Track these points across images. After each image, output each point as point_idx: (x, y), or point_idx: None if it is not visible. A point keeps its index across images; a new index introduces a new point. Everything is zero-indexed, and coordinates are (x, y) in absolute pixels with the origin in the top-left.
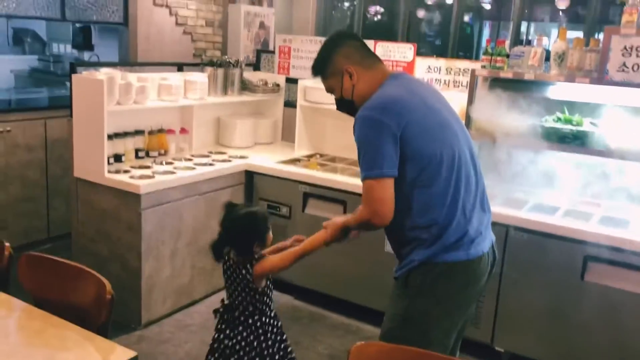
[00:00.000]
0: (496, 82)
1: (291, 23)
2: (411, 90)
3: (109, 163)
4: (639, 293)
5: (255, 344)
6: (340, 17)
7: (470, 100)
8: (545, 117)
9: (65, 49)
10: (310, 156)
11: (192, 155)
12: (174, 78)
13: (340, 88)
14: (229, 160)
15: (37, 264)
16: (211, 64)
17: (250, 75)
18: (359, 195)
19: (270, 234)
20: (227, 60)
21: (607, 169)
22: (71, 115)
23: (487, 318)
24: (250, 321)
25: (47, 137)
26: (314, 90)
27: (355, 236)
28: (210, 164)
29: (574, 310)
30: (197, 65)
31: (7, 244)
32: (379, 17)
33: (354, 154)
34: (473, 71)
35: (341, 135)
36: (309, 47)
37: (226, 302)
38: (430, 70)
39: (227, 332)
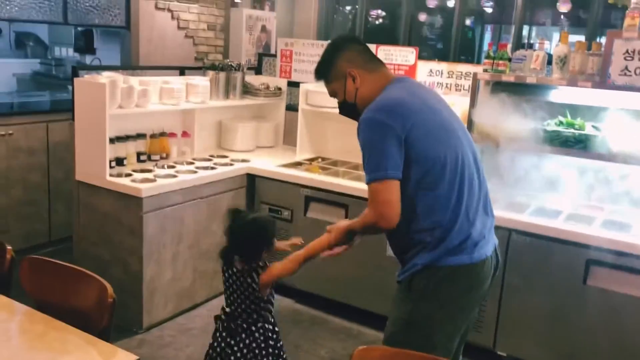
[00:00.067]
0: (498, 86)
1: (293, 26)
2: (415, 93)
3: (110, 166)
4: None
5: (257, 351)
6: (342, 20)
7: (472, 104)
8: (547, 121)
9: (67, 52)
10: (311, 160)
11: (194, 159)
12: (176, 82)
13: (343, 91)
14: (231, 164)
15: (39, 267)
16: (213, 67)
17: (252, 78)
18: (361, 198)
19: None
20: (229, 63)
21: (610, 172)
22: (73, 119)
23: (489, 322)
24: (253, 328)
25: (49, 140)
26: (315, 94)
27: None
28: (212, 168)
29: (576, 314)
30: (199, 69)
31: (9, 247)
32: (381, 20)
33: (355, 158)
34: (475, 75)
35: (343, 139)
36: (310, 50)
37: (227, 310)
38: (432, 74)
39: (229, 340)
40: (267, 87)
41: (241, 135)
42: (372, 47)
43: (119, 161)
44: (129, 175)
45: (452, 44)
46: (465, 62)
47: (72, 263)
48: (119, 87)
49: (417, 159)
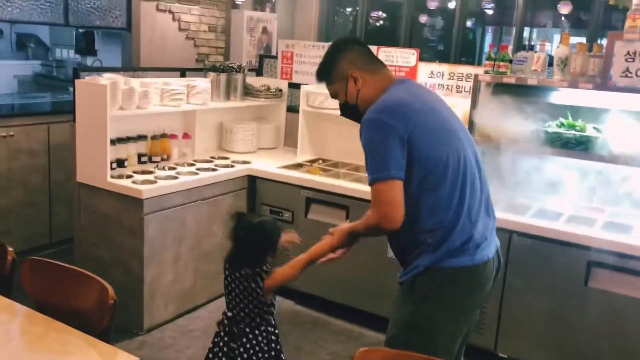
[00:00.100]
0: (499, 88)
1: (294, 28)
2: (416, 94)
3: (111, 168)
4: None
5: (260, 354)
6: (343, 22)
7: (473, 106)
8: (548, 123)
9: (68, 54)
10: (312, 161)
11: (195, 160)
12: (177, 83)
13: (344, 93)
14: (232, 166)
15: (40, 268)
16: (214, 69)
17: (252, 80)
18: (362, 200)
19: None
20: (230, 65)
21: (611, 174)
22: (74, 120)
23: (490, 324)
24: (256, 332)
25: (50, 142)
26: (316, 96)
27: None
28: (213, 169)
29: (578, 316)
30: (200, 71)
31: (10, 249)
32: (382, 22)
33: (356, 159)
34: (476, 76)
35: (344, 140)
36: (311, 52)
37: (229, 314)
38: (433, 76)
39: (231, 344)
40: (268, 89)
41: (242, 137)
42: (373, 48)
43: (120, 163)
44: (129, 176)
45: (452, 46)
46: (466, 64)
47: (72, 264)
48: (120, 88)
49: (419, 159)
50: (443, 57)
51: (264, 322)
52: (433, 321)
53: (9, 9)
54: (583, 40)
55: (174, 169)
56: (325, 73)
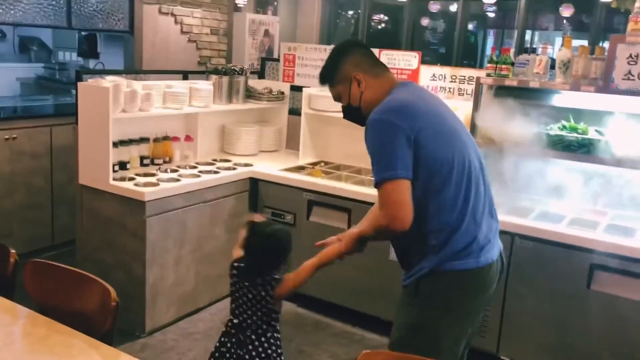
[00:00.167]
0: (501, 90)
1: (296, 31)
2: (420, 96)
3: (114, 170)
4: None
5: None
6: (345, 25)
7: (476, 108)
8: (550, 125)
9: (70, 56)
10: (314, 164)
11: (197, 163)
12: (179, 86)
13: (348, 95)
14: (234, 168)
15: (42, 271)
16: (216, 71)
17: (255, 83)
18: (364, 203)
19: None
20: (232, 68)
21: (613, 177)
22: (76, 123)
23: (492, 327)
24: (263, 339)
25: (53, 144)
26: (318, 98)
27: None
28: (215, 172)
29: (580, 319)
30: (202, 73)
31: (12, 251)
32: (383, 25)
33: (358, 162)
34: (478, 79)
35: (346, 143)
36: (313, 55)
37: (235, 321)
38: (435, 78)
39: (238, 351)
40: (270, 92)
41: (244, 140)
42: (375, 51)
43: (122, 165)
44: (132, 179)
45: (454, 49)
46: (468, 67)
47: (74, 267)
48: (123, 91)
49: (425, 160)
50: (445, 60)
51: (270, 328)
52: (438, 324)
53: (12, 11)
54: (585, 43)
55: (176, 171)
56: (328, 75)
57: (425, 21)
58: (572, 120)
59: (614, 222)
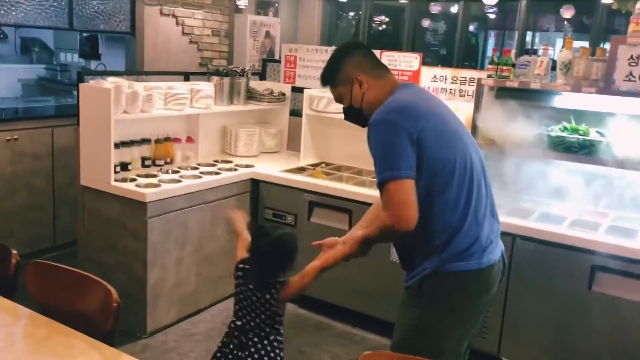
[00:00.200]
0: (502, 92)
1: (297, 32)
2: (422, 97)
3: (115, 171)
4: None
5: None
6: (346, 26)
7: (477, 110)
8: (551, 127)
9: (72, 58)
10: (315, 165)
11: (198, 164)
12: (181, 87)
13: (349, 96)
14: (235, 169)
15: (44, 271)
16: (217, 73)
17: (256, 84)
18: (365, 204)
19: None
20: (233, 69)
21: (614, 178)
22: (78, 124)
23: (493, 328)
24: (265, 342)
25: (54, 145)
26: (319, 100)
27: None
28: (216, 173)
29: (581, 320)
30: (204, 75)
31: (14, 252)
32: (384, 26)
33: (359, 163)
34: (479, 80)
35: (346, 144)
36: (314, 56)
37: (238, 323)
38: (436, 80)
39: (240, 354)
40: (271, 93)
41: (245, 141)
42: (376, 52)
43: (124, 166)
44: (133, 180)
45: (455, 50)
46: (469, 68)
47: (76, 267)
48: (124, 92)
49: (428, 160)
50: (446, 62)
51: (273, 331)
52: (441, 325)
53: (14, 13)
54: (586, 44)
55: (177, 172)
56: (330, 77)
57: (426, 22)
58: (573, 122)
59: (615, 223)
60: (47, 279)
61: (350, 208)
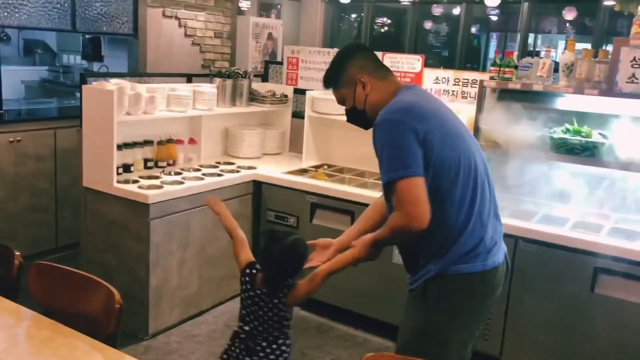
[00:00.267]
0: (504, 93)
1: (299, 34)
2: (426, 99)
3: (117, 173)
4: None
5: None
6: (348, 28)
7: (479, 112)
8: (554, 129)
9: (75, 59)
10: (317, 167)
11: (201, 166)
12: (183, 89)
13: (352, 98)
14: (237, 171)
15: (47, 273)
16: (220, 74)
17: (258, 86)
18: (367, 205)
19: None
20: (236, 71)
21: (617, 180)
22: (81, 126)
23: (495, 330)
24: (274, 346)
25: (57, 147)
26: (321, 101)
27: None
28: (219, 174)
29: (584, 322)
30: (206, 76)
31: (17, 253)
32: (386, 28)
33: (361, 165)
34: (481, 82)
35: (349, 145)
36: (316, 58)
37: (245, 327)
38: (438, 81)
39: (247, 359)
40: (274, 95)
41: (247, 142)
42: (378, 54)
43: (126, 168)
44: (136, 181)
45: (457, 52)
46: (471, 70)
47: (78, 269)
48: (127, 94)
49: (433, 161)
50: (448, 63)
51: (282, 335)
52: (446, 328)
53: (17, 15)
54: (588, 46)
55: (179, 174)
56: (333, 78)
57: (428, 24)
58: (575, 124)
59: (618, 225)
60: (50, 280)
61: (353, 210)
